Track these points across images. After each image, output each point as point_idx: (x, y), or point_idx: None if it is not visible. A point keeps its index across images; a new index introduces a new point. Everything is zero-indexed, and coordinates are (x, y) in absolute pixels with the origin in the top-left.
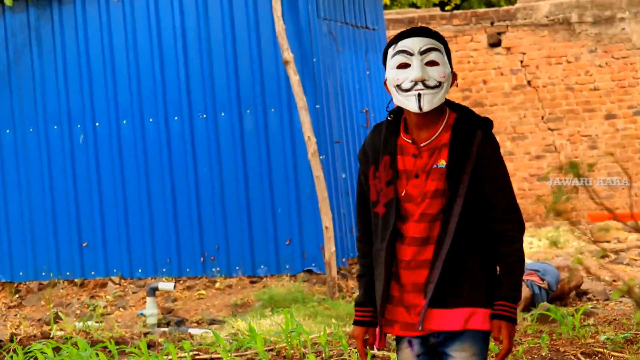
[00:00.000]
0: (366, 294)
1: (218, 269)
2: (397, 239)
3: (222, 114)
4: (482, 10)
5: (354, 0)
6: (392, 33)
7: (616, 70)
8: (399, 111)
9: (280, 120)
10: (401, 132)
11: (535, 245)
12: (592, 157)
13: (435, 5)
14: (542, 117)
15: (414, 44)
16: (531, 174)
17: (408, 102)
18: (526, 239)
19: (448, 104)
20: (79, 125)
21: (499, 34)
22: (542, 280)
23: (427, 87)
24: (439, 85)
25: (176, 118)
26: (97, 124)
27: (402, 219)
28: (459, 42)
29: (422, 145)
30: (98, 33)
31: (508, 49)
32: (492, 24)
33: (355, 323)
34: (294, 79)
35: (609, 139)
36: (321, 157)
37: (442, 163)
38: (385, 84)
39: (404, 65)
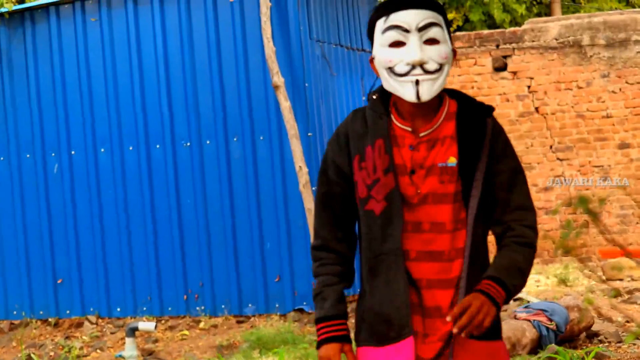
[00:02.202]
0: (336, 306)
1: (202, 307)
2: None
3: (208, 142)
4: (487, 31)
5: (349, 21)
6: None
7: (630, 96)
8: (384, 91)
9: (270, 148)
10: (394, 116)
11: (542, 283)
12: (604, 190)
13: None
14: (551, 147)
15: (411, 18)
16: (539, 207)
17: (403, 90)
18: (533, 276)
19: (445, 90)
20: (53, 154)
21: (505, 57)
22: (550, 320)
23: (426, 71)
24: (440, 68)
25: (158, 146)
26: (72, 152)
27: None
28: (461, 65)
29: (422, 135)
30: (74, 55)
31: (514, 73)
32: (497, 46)
33: (328, 340)
34: (285, 104)
35: (623, 169)
36: (313, 189)
37: (453, 161)
38: (371, 61)
39: (397, 44)
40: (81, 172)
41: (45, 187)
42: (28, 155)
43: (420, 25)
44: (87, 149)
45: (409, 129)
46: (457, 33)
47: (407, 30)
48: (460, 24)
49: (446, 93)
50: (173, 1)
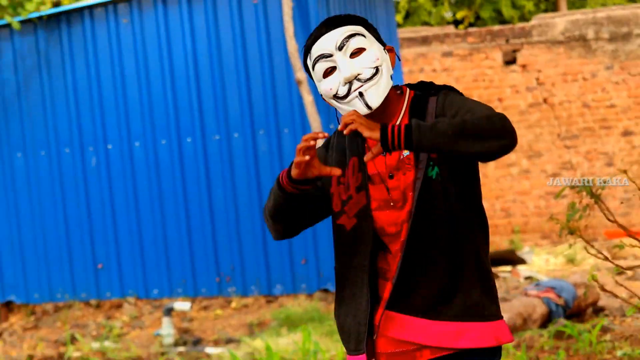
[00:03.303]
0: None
1: (234, 288)
2: (379, 253)
3: (236, 135)
4: (497, 27)
5: (367, 18)
6: (405, 52)
7: (633, 87)
8: None
9: (294, 140)
10: None
11: (551, 262)
12: (608, 174)
13: (448, 23)
14: (559, 135)
15: (328, 41)
16: (547, 192)
17: (355, 108)
18: (543, 256)
19: (408, 85)
20: (91, 148)
21: (514, 51)
22: (559, 297)
23: (364, 80)
24: (377, 71)
25: (189, 139)
26: (109, 146)
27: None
28: (473, 60)
29: None
30: (108, 55)
31: (523, 66)
32: (507, 41)
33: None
34: (308, 99)
35: (626, 155)
36: None
37: (406, 151)
38: (324, 99)
39: (330, 71)
40: (117, 165)
41: (84, 179)
42: (67, 150)
43: (339, 44)
44: (122, 143)
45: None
46: (469, 29)
47: (330, 55)
48: (472, 20)
49: (407, 87)
50: (200, 2)
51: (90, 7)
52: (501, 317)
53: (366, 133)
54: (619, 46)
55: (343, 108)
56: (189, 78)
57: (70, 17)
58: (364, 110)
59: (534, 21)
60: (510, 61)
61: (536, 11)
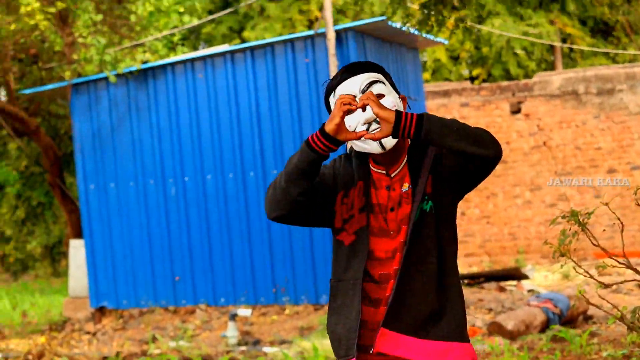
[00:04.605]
0: None
1: (287, 298)
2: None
3: None
4: (505, 83)
5: (399, 74)
6: (430, 102)
7: (616, 133)
8: None
9: None
10: (371, 163)
11: (550, 278)
12: (595, 205)
13: (465, 79)
14: (555, 172)
15: (354, 84)
16: (547, 219)
17: (370, 147)
18: (542, 273)
19: None
20: (171, 180)
21: (519, 103)
22: (556, 307)
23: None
24: None
25: (252, 173)
26: (186, 178)
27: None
28: (486, 109)
29: (393, 175)
30: (186, 102)
31: (527, 115)
32: (513, 94)
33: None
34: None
35: (610, 189)
36: None
37: (406, 186)
38: None
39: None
40: (192, 194)
41: (165, 206)
42: (151, 181)
43: (363, 87)
44: (197, 176)
45: (384, 172)
46: (483, 84)
47: (353, 97)
48: (485, 77)
49: None
50: (262, 61)
51: (172, 64)
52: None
53: (382, 113)
54: (604, 99)
55: (358, 144)
56: (252, 122)
57: (155, 72)
58: (378, 150)
59: (535, 78)
60: (515, 111)
61: (537, 70)
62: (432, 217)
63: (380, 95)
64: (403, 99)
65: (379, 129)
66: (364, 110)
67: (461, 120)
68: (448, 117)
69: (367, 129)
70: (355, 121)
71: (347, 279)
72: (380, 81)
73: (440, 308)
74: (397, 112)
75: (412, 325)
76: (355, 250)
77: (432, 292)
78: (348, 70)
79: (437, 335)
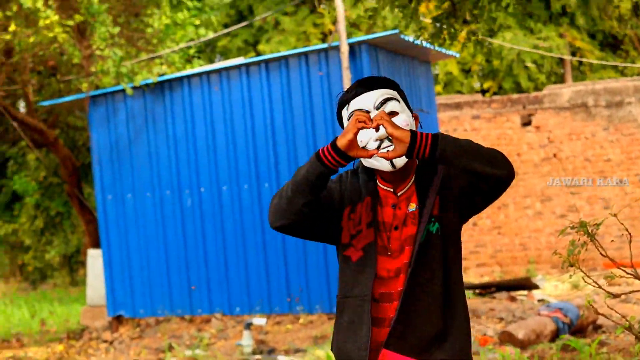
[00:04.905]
0: None
1: (301, 307)
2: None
3: None
4: (516, 96)
5: (412, 87)
6: (442, 115)
7: (625, 145)
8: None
9: None
10: (378, 180)
11: (560, 288)
12: (604, 216)
13: (477, 92)
14: (565, 184)
15: (368, 99)
16: (557, 230)
17: (379, 163)
18: (553, 283)
19: None
20: (187, 191)
21: (530, 115)
22: (566, 316)
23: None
24: None
25: (266, 185)
26: (202, 189)
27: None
28: (497, 122)
29: (399, 194)
30: (202, 114)
31: (537, 127)
32: (524, 107)
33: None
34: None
35: (620, 200)
36: None
37: (413, 207)
38: None
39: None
40: (208, 205)
41: (181, 216)
42: (168, 192)
43: (377, 103)
44: (212, 187)
45: (391, 190)
46: (494, 97)
47: (367, 112)
48: (496, 90)
49: None
50: (276, 74)
51: (188, 77)
52: None
53: (396, 133)
54: (613, 112)
55: (368, 160)
56: (266, 134)
57: (172, 84)
58: (388, 168)
59: (545, 91)
60: (526, 123)
61: (547, 83)
62: (438, 239)
63: (394, 113)
64: (416, 117)
65: (391, 147)
66: (377, 129)
67: (473, 133)
68: (460, 129)
69: (379, 146)
70: (367, 137)
71: (355, 295)
72: (394, 98)
73: (445, 329)
74: (412, 133)
75: (417, 346)
76: (362, 266)
77: (437, 312)
78: (363, 85)
79: (440, 357)
